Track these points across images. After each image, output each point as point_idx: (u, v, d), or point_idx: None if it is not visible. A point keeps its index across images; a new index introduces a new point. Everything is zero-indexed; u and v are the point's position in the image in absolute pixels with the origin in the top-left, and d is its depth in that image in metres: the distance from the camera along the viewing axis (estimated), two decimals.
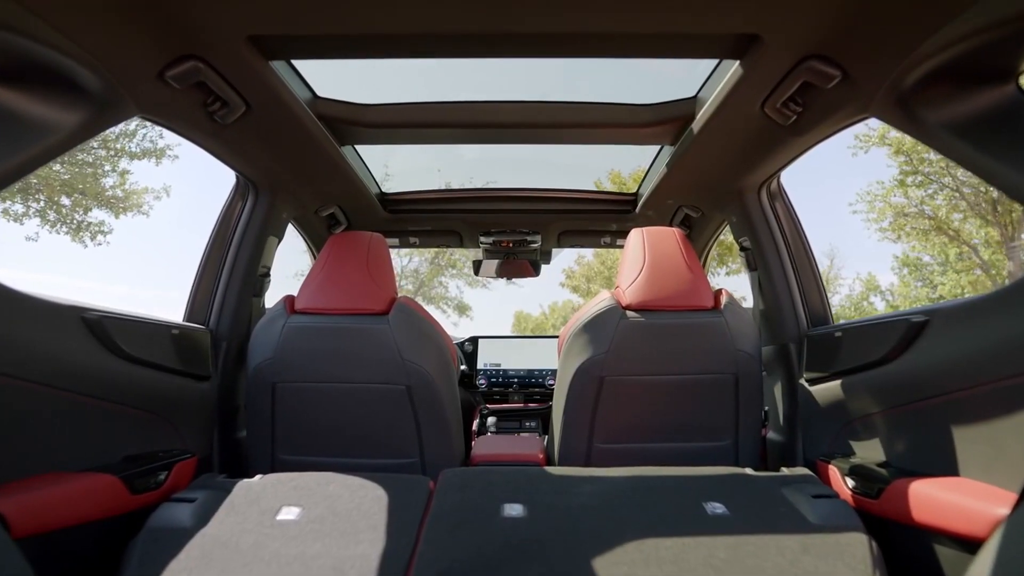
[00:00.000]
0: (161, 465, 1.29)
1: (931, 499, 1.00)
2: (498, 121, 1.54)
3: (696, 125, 1.44)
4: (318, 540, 1.07)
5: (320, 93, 1.44)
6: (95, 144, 9.18)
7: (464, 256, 14.87)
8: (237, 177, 1.66)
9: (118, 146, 9.37)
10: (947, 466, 1.04)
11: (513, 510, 1.14)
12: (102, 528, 1.11)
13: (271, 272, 1.82)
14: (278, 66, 1.20)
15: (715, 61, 1.28)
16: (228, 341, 1.63)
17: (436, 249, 15.95)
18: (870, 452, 1.29)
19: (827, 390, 1.42)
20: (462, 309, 16.84)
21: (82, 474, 1.10)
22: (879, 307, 16.27)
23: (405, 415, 1.47)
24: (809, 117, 1.26)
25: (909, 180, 11.15)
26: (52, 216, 9.33)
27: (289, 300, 1.53)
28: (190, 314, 1.63)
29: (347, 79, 1.46)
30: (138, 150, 9.60)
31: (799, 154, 1.46)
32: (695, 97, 1.45)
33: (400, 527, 1.10)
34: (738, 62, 1.15)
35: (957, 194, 10.74)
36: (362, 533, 1.08)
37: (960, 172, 10.37)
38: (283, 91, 1.24)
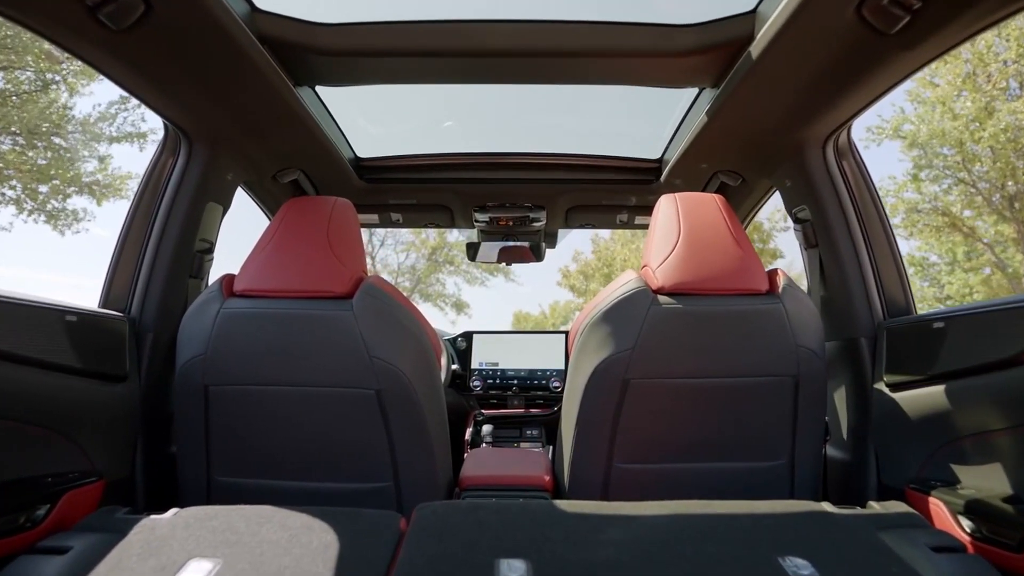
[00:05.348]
0: (41, 495, 0.96)
1: None
2: (494, 47, 1.21)
3: (756, 48, 1.10)
4: None
5: (261, 6, 1.11)
6: (71, 128, 8.80)
7: (462, 253, 14.62)
8: (165, 124, 1.33)
9: (95, 130, 8.98)
10: None
11: (512, 570, 0.81)
12: None
13: (215, 248, 1.49)
14: None
15: None
16: (155, 332, 1.30)
17: (434, 247, 15.72)
18: (986, 482, 0.97)
19: (919, 398, 1.11)
20: (460, 307, 16.79)
21: None
22: None
23: (374, 427, 1.15)
24: (930, 16, 0.91)
25: (923, 175, 10.83)
26: (28, 204, 8.95)
27: (227, 280, 1.21)
28: (106, 299, 1.31)
29: None
30: (118, 133, 9.21)
31: (898, 81, 1.10)
32: (754, 11, 1.12)
33: None
34: None
35: (973, 189, 10.40)
36: None
37: (977, 166, 10.06)
38: None
